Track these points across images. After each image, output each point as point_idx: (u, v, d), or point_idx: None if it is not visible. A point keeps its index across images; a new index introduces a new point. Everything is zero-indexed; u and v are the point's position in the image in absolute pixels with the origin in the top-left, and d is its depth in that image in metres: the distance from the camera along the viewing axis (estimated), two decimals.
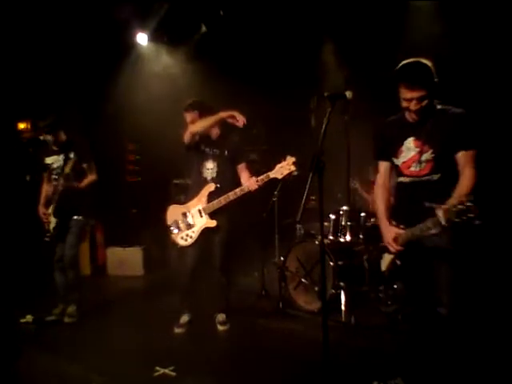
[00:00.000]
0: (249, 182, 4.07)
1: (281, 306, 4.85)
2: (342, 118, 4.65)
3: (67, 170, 4.51)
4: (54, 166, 4.67)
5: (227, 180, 4.31)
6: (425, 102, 2.71)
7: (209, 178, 4.34)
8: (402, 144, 2.89)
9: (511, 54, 4.87)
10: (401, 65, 2.76)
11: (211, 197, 4.25)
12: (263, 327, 4.47)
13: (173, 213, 4.45)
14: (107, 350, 3.92)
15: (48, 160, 4.72)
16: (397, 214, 2.98)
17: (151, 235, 6.85)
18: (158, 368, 3.46)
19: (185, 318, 4.43)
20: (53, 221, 4.60)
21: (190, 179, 4.56)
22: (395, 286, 4.55)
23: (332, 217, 5.06)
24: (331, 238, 5.03)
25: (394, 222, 2.94)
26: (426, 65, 2.71)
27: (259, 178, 4.03)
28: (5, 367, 3.38)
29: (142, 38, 6.76)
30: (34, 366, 3.67)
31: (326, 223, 5.00)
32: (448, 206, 2.44)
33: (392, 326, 4.26)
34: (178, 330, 4.35)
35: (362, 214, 4.91)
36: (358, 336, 4.13)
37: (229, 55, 6.33)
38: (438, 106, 2.80)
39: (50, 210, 4.61)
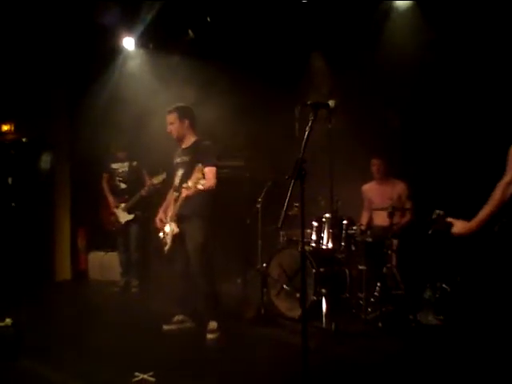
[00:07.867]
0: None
1: (263, 312, 4.85)
2: (325, 126, 4.69)
3: None
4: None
5: None
6: None
7: (177, 184, 4.43)
8: None
9: (492, 56, 4.94)
10: None
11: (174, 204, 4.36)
12: (245, 333, 4.47)
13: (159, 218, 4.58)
14: (87, 355, 3.88)
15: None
16: None
17: None
18: (137, 373, 3.44)
19: (178, 318, 4.51)
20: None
21: None
22: (376, 294, 4.64)
23: (314, 224, 5.10)
24: (313, 245, 5.06)
25: None
26: None
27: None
28: None
29: (128, 43, 6.72)
30: (13, 370, 3.63)
31: (308, 230, 5.04)
32: None
33: (372, 333, 4.32)
34: (166, 327, 4.43)
35: (344, 222, 4.96)
36: (338, 343, 4.16)
37: (214, 62, 6.34)
38: None
39: None
